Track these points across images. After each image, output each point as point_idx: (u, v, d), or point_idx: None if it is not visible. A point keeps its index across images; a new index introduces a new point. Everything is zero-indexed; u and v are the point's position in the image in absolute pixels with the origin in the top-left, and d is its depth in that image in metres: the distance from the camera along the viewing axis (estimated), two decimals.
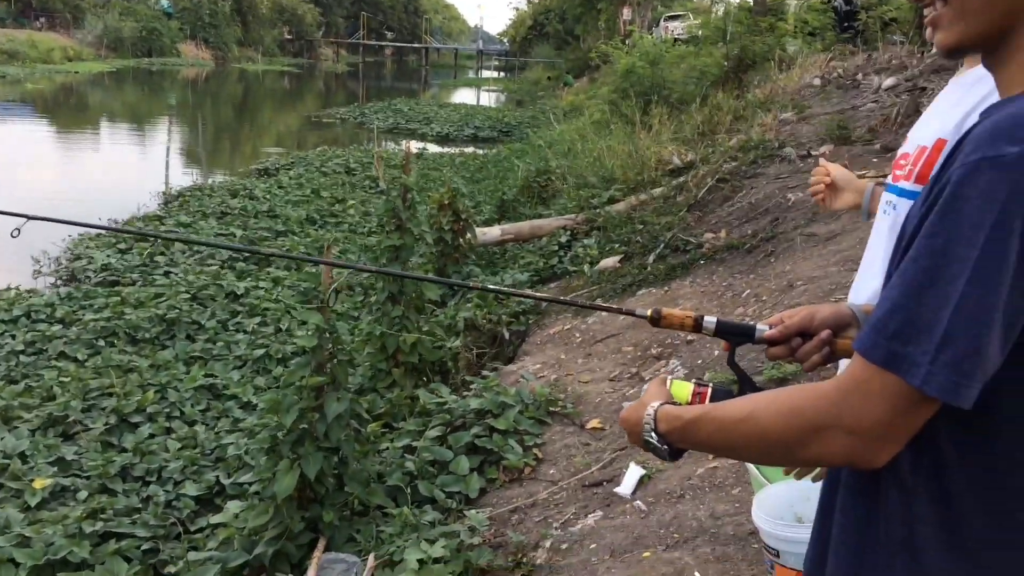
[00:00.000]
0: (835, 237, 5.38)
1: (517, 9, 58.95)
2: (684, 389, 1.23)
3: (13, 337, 6.14)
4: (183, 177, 14.79)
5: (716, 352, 4.42)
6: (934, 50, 1.77)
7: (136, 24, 46.09)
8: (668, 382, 1.24)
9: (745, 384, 1.32)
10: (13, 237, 2.10)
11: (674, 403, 1.17)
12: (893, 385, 0.88)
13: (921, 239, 0.88)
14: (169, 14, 50.41)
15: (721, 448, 1.10)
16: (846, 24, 14.69)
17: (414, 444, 4.18)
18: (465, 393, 4.78)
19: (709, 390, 1.23)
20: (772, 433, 0.98)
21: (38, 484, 4.07)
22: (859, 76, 10.40)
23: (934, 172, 0.94)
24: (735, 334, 1.35)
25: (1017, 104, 0.89)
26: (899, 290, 0.89)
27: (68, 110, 26.90)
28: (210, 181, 13.63)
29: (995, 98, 1.47)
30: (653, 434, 1.12)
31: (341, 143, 19.23)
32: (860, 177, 2.06)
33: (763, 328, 1.33)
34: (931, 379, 0.85)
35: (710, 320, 1.33)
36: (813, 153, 7.33)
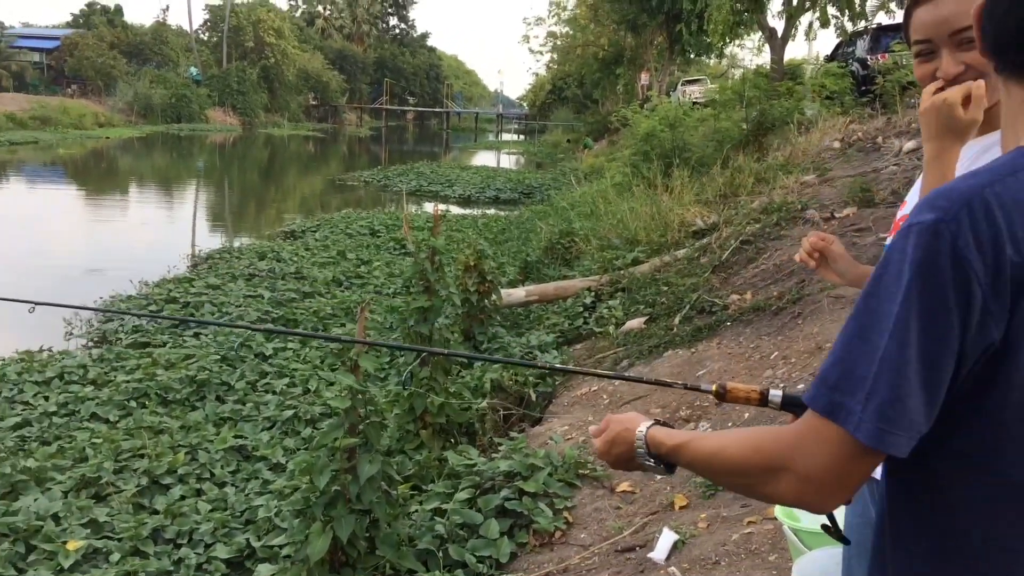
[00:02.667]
0: None
1: (536, 74, 60.18)
2: None
3: (46, 399, 6.22)
4: (211, 239, 15.06)
5: (746, 415, 4.40)
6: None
7: (166, 91, 47.39)
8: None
9: None
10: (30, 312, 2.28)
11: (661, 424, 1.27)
12: (837, 435, 0.94)
13: (860, 297, 0.97)
14: (198, 81, 51.84)
15: (700, 472, 1.19)
16: (864, 88, 14.85)
17: (443, 507, 4.17)
18: (493, 455, 4.78)
19: None
20: (737, 467, 1.06)
21: (71, 546, 4.10)
22: (879, 139, 10.49)
23: None
24: (802, 407, 1.35)
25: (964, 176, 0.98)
26: (840, 344, 0.98)
27: (99, 174, 27.54)
28: (237, 243, 13.86)
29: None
30: (647, 455, 1.23)
31: (365, 205, 19.53)
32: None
33: None
34: (861, 426, 0.92)
35: (776, 393, 1.32)
36: (836, 215, 7.37)
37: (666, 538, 3.51)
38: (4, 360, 7.05)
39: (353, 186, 24.89)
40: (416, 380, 5.47)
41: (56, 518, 4.43)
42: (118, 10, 56.95)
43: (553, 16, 43.66)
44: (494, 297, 7.54)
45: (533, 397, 5.99)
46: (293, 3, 75.17)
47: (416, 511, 4.21)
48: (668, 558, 3.43)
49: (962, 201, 0.91)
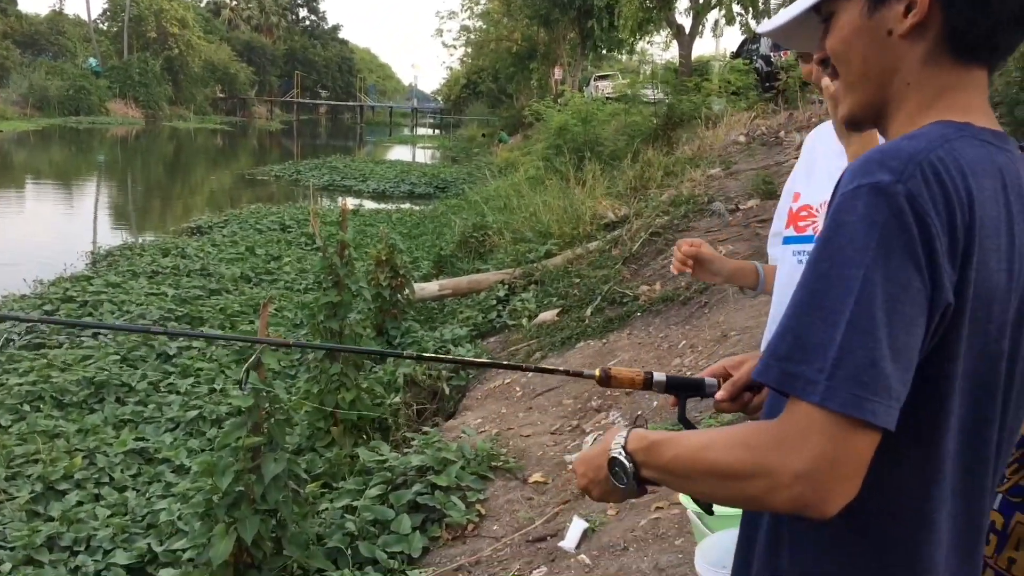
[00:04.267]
0: None
1: (451, 69, 59.83)
2: None
3: None
4: (112, 236, 14.49)
5: (655, 403, 4.48)
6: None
7: (63, 83, 45.34)
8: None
9: None
10: None
11: None
12: (816, 416, 0.86)
13: (808, 266, 0.92)
14: (98, 73, 49.75)
15: (679, 475, 1.03)
16: (767, 84, 15.31)
17: (354, 504, 4.11)
18: (406, 450, 4.74)
19: None
20: (724, 464, 0.95)
21: None
22: (781, 133, 10.82)
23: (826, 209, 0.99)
24: (685, 389, 1.35)
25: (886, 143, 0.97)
26: (789, 313, 0.92)
27: None
28: (140, 240, 13.37)
29: None
30: (623, 451, 1.08)
31: (276, 200, 19.10)
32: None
33: (713, 383, 1.35)
34: (832, 395, 0.85)
35: (660, 376, 1.33)
36: (741, 207, 7.57)
37: (576, 526, 3.53)
38: None
39: (263, 181, 24.31)
40: (326, 377, 5.37)
41: None
42: None
43: (466, 10, 43.60)
44: (407, 291, 7.48)
45: (447, 391, 5.97)
46: None
47: (326, 509, 4.14)
48: (578, 546, 3.45)
49: (914, 162, 0.89)
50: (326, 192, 21.70)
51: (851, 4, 1.03)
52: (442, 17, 65.99)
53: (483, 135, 39.61)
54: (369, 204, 18.92)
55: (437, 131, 65.30)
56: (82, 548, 4.15)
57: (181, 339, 7.36)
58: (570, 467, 4.20)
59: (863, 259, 0.87)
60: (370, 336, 6.93)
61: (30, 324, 7.69)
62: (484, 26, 41.59)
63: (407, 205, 19.08)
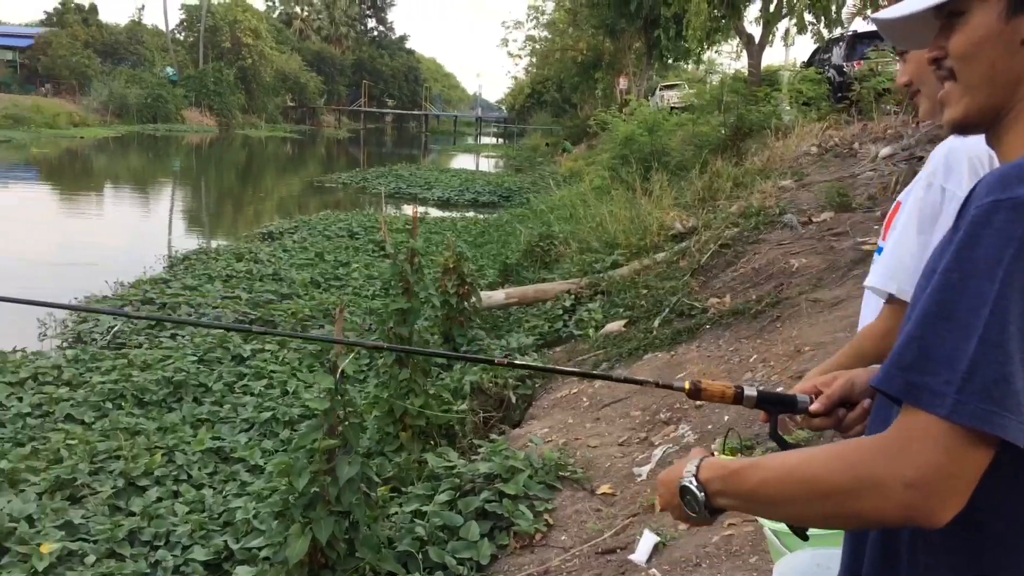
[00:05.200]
0: (841, 303, 5.44)
1: (515, 78, 60.10)
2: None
3: (20, 400, 6.12)
4: (188, 241, 14.93)
5: (726, 417, 4.43)
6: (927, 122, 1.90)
7: (141, 91, 46.91)
8: (715, 454, 1.22)
9: None
10: None
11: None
12: (936, 426, 0.87)
13: (938, 276, 0.91)
14: (174, 81, 51.36)
15: (767, 500, 1.01)
16: (840, 94, 15.01)
17: (423, 509, 4.15)
18: (473, 457, 4.77)
19: None
20: (824, 481, 0.94)
21: (45, 548, 4.04)
22: (856, 145, 10.60)
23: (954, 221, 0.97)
24: (776, 404, 1.33)
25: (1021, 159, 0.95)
26: (915, 323, 0.92)
27: (73, 174, 27.20)
28: (214, 245, 13.75)
29: (940, 169, 1.64)
30: (694, 479, 1.09)
31: (344, 207, 19.45)
32: None
33: (805, 398, 1.32)
34: (961, 409, 0.86)
35: (751, 391, 1.31)
36: (814, 220, 7.44)
37: (647, 540, 3.51)
38: None
39: (331, 188, 24.78)
40: (395, 382, 5.45)
41: (30, 520, 4.36)
42: (93, 8, 56.25)
43: (532, 20, 43.77)
44: (473, 299, 7.53)
45: (513, 399, 5.99)
46: (270, 4, 74.73)
47: (396, 513, 4.19)
48: (648, 560, 3.44)
49: None
50: (392, 200, 21.99)
51: (987, 5, 1.00)
52: (508, 27, 66.46)
53: (547, 144, 39.69)
54: (434, 212, 19.13)
55: (501, 140, 65.68)
56: (162, 543, 4.29)
57: (254, 341, 7.54)
58: (639, 479, 4.18)
59: (998, 273, 0.87)
60: (437, 343, 7.01)
61: (113, 323, 7.98)
62: (549, 36, 41.73)
63: (471, 213, 19.24)
